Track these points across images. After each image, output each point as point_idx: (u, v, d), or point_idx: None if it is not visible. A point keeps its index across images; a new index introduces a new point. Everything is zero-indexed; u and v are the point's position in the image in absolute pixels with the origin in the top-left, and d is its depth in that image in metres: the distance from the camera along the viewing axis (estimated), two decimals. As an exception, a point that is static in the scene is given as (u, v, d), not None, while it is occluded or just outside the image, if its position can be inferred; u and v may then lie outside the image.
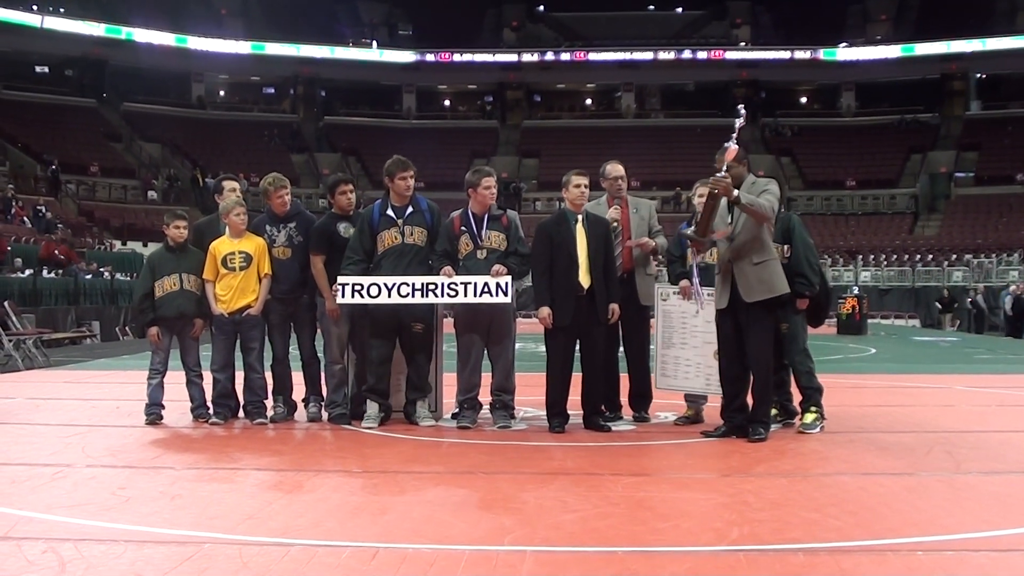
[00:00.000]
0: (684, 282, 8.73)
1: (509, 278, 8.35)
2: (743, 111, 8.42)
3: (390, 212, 8.69)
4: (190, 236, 9.32)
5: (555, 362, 8.45)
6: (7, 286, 21.91)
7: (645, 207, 9.21)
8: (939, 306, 38.31)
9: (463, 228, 8.64)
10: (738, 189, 7.71)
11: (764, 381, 8.00)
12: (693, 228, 8.05)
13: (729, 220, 7.94)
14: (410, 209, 8.72)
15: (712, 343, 8.46)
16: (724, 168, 7.79)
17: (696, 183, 8.72)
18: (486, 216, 8.62)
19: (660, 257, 9.36)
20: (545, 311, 8.29)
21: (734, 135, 7.95)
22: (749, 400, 8.11)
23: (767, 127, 59.64)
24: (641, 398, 9.11)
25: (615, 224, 8.85)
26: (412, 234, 8.67)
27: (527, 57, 61.90)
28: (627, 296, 8.73)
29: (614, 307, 8.41)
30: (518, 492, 6.06)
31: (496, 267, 8.36)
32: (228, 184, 9.47)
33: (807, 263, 8.38)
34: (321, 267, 8.83)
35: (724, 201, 7.90)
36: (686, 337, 8.77)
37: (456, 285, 8.36)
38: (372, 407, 8.73)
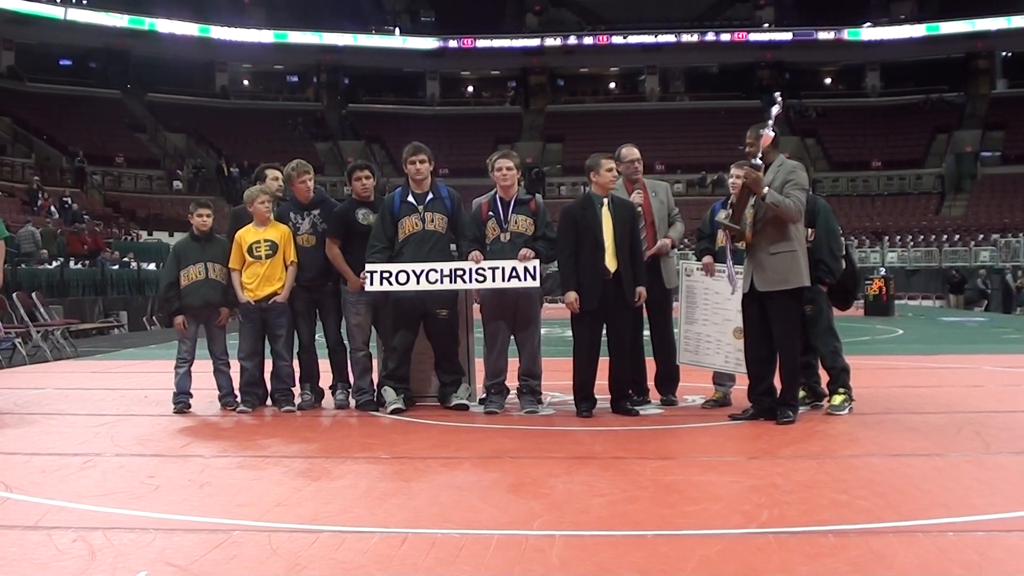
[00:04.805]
0: (707, 258, 8.67)
1: (537, 262, 8.34)
2: (779, 98, 8.33)
3: (411, 199, 8.70)
4: (228, 222, 9.35)
5: (582, 346, 8.42)
6: (35, 277, 21.99)
7: (663, 190, 9.18)
8: (948, 286, 38.11)
9: (491, 213, 8.64)
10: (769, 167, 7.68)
11: (791, 363, 7.95)
12: (728, 214, 7.99)
13: (751, 203, 7.86)
14: (431, 196, 8.72)
15: (732, 321, 8.42)
16: (759, 154, 7.73)
17: (732, 165, 8.68)
18: (513, 200, 8.62)
19: (678, 245, 9.31)
20: (572, 295, 8.25)
21: (771, 122, 7.89)
22: (777, 382, 8.08)
23: (791, 108, 59.17)
24: (669, 381, 9.09)
25: (637, 209, 8.81)
26: (433, 220, 8.68)
27: (550, 42, 61.73)
28: (652, 280, 8.69)
29: (641, 290, 8.38)
30: (546, 477, 6.06)
31: (524, 251, 8.34)
32: (271, 172, 9.48)
33: (828, 250, 8.28)
34: (337, 251, 8.84)
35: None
36: (708, 314, 8.71)
37: (484, 270, 8.35)
38: (389, 393, 8.73)
